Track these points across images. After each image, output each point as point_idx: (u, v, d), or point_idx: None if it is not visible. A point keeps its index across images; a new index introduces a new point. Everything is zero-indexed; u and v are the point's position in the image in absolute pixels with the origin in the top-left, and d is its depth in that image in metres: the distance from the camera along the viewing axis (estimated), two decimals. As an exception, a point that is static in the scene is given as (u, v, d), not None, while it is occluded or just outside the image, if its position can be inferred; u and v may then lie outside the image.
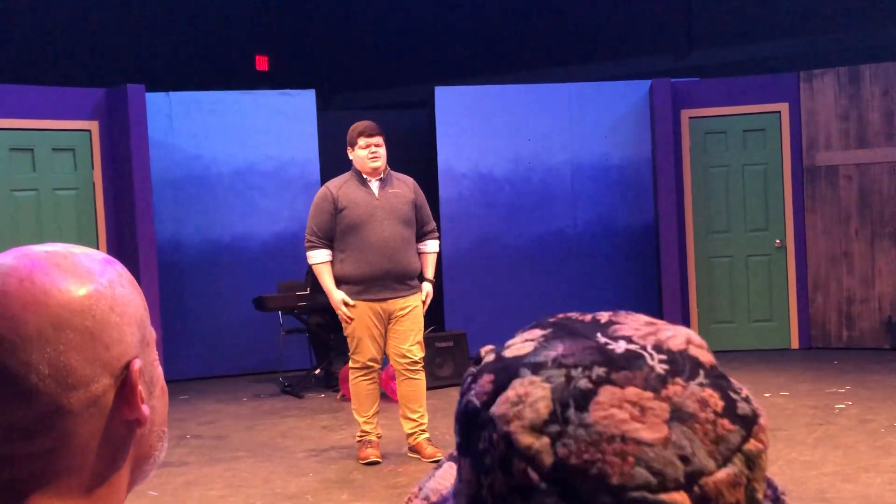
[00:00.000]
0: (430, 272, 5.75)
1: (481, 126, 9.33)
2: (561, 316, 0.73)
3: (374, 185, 5.55)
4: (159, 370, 0.91)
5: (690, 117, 9.24)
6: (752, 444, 0.65)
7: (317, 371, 8.29)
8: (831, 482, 4.98)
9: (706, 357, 0.68)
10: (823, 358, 8.59)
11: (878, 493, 4.80)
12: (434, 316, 9.21)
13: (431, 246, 5.77)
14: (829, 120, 8.97)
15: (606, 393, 0.64)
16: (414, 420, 5.65)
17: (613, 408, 0.63)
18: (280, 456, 5.97)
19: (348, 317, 5.50)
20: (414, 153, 10.18)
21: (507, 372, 0.68)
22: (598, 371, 0.65)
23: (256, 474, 5.56)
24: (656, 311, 9.09)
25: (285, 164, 9.21)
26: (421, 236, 5.72)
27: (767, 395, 7.15)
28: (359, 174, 5.56)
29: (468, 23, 11.67)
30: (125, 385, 0.83)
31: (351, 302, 5.48)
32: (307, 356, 8.73)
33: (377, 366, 5.64)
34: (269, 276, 8.87)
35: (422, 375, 5.67)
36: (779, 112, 9.12)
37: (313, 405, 7.61)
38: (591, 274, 9.42)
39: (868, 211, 8.82)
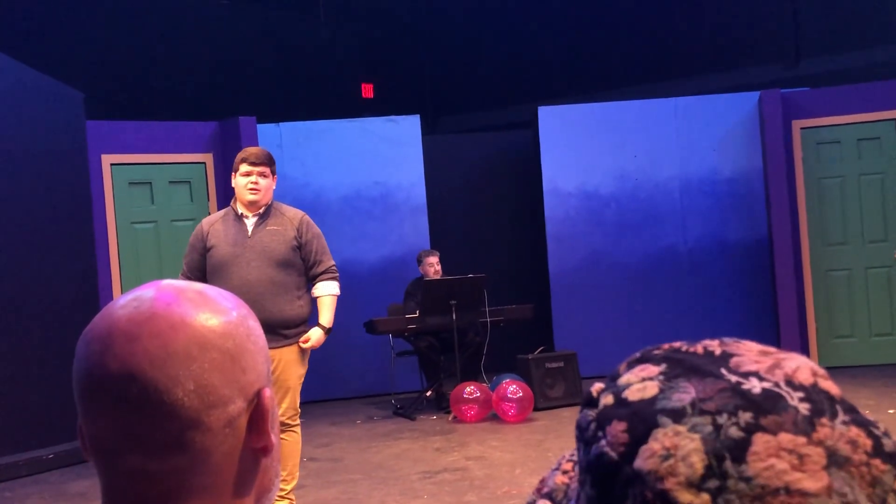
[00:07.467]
0: (323, 317, 4.95)
1: (586, 144, 9.30)
2: (667, 347, 0.70)
3: (251, 221, 4.89)
4: (276, 410, 0.94)
5: (802, 128, 9.02)
6: None
7: (428, 393, 8.35)
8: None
9: (834, 389, 0.66)
10: (952, 372, 8.25)
11: None
12: (543, 336, 9.19)
13: (324, 288, 4.95)
14: (949, 125, 8.64)
15: (760, 442, 0.61)
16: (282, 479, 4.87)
17: (772, 457, 0.61)
18: (395, 478, 6.02)
19: None
20: (519, 174, 10.20)
21: (642, 420, 0.65)
22: (745, 417, 0.62)
23: (372, 497, 5.61)
24: (773, 327, 8.87)
25: (392, 189, 9.34)
26: (312, 279, 4.94)
27: (891, 411, 6.90)
28: (235, 208, 4.94)
29: (569, 41, 11.65)
30: (256, 411, 0.87)
31: None
32: (418, 378, 8.80)
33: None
34: (378, 299, 8.99)
35: (291, 436, 4.90)
36: (894, 119, 8.83)
37: (425, 427, 7.66)
38: (703, 291, 9.25)
39: None
